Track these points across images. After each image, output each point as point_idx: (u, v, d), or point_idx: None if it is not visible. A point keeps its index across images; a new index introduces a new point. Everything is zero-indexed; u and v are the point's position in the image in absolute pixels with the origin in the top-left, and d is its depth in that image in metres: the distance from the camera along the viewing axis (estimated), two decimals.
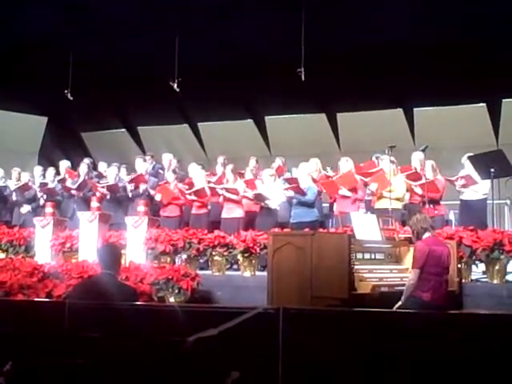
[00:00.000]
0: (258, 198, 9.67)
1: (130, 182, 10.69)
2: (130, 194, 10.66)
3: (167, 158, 11.59)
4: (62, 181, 11.47)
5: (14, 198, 11.48)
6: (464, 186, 9.03)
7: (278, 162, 10.99)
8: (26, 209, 11.32)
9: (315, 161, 10.27)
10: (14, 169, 12.00)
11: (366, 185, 9.42)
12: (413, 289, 5.95)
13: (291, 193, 9.21)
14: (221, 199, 10.05)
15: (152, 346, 3.60)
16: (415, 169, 9.40)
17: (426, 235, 6.21)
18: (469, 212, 9.03)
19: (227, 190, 9.90)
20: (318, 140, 13.85)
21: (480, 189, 8.95)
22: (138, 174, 10.82)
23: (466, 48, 11.58)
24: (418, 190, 8.99)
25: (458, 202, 9.37)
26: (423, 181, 8.82)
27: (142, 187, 10.60)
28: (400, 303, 5.94)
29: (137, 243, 9.09)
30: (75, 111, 14.69)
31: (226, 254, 8.55)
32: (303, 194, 9.08)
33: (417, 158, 9.40)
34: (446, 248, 6.20)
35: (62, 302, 4.86)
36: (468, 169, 9.08)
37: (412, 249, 6.45)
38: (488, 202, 8.75)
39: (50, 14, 11.92)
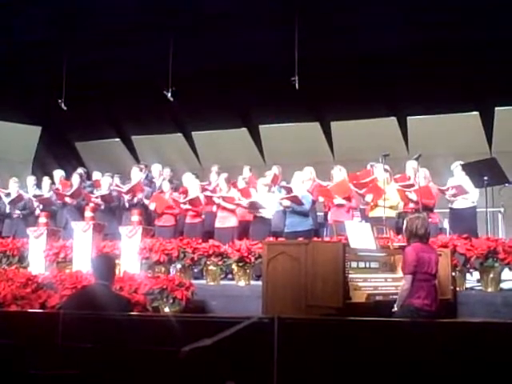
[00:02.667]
0: (253, 206, 9.66)
1: (127, 192, 10.66)
2: (127, 204, 10.64)
3: (157, 169, 11.61)
4: (56, 190, 11.45)
5: (7, 210, 11.44)
6: (455, 195, 9.05)
7: (275, 170, 10.94)
8: (16, 213, 11.29)
9: (309, 169, 10.27)
10: (12, 179, 11.94)
11: (362, 196, 9.43)
12: (406, 295, 5.92)
13: (287, 202, 9.22)
14: (214, 208, 10.05)
15: (147, 356, 3.59)
16: (409, 177, 9.42)
17: (415, 241, 6.14)
18: (459, 220, 9.06)
19: (224, 198, 9.89)
20: (312, 148, 13.87)
21: (470, 197, 8.97)
22: (135, 183, 10.81)
23: (458, 57, 11.64)
24: (413, 196, 8.98)
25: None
26: (417, 187, 8.83)
27: (138, 196, 10.61)
28: (395, 309, 5.92)
29: (131, 253, 9.06)
30: (69, 121, 14.66)
31: (220, 263, 8.53)
32: (301, 204, 9.09)
33: (411, 166, 9.42)
34: (434, 254, 6.16)
35: (55, 313, 4.84)
36: (457, 176, 9.11)
37: None
38: (482, 210, 8.77)
39: (43, 24, 11.92)
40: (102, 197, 10.67)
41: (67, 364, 3.74)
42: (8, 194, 11.58)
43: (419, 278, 5.92)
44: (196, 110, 13.88)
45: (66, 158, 15.11)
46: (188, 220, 10.24)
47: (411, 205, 9.08)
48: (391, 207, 8.98)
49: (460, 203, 9.09)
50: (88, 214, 9.80)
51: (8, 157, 14.81)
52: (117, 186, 11.07)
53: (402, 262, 6.11)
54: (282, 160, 12.53)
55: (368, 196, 9.22)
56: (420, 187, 8.64)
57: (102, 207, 10.65)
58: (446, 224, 9.94)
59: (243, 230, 9.70)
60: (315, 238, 8.66)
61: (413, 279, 5.90)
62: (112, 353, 3.70)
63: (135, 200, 10.61)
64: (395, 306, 5.93)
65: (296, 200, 9.14)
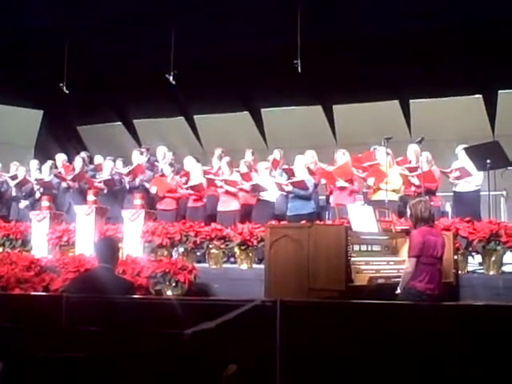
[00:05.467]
0: (256, 189, 9.65)
1: (128, 174, 10.67)
2: (128, 186, 10.65)
3: (161, 151, 11.61)
4: (58, 173, 11.46)
5: (13, 193, 11.48)
6: (458, 178, 9.04)
7: (276, 154, 10.95)
8: (23, 204, 11.33)
9: (311, 153, 10.26)
10: (13, 163, 11.98)
11: (364, 179, 9.42)
12: (409, 277, 5.94)
13: (290, 187, 9.21)
14: (219, 191, 10.04)
15: (149, 339, 3.61)
16: (410, 161, 9.40)
17: (422, 225, 6.15)
18: (462, 204, 9.05)
19: (226, 181, 9.88)
20: (314, 132, 13.84)
21: (473, 180, 8.95)
22: (136, 164, 10.80)
23: (462, 39, 11.58)
24: (415, 181, 8.97)
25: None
26: (419, 172, 8.81)
27: (140, 177, 10.61)
28: (398, 291, 5.94)
29: (134, 236, 9.08)
30: (71, 104, 14.66)
31: (222, 246, 8.55)
32: (306, 188, 9.07)
33: (412, 149, 9.39)
34: (440, 238, 6.17)
35: (59, 296, 4.85)
36: (461, 160, 9.08)
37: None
38: (484, 193, 8.75)
39: (46, 8, 11.88)
40: (105, 182, 10.67)
41: (71, 346, 3.76)
42: (14, 177, 11.59)
43: (424, 262, 5.93)
44: (198, 94, 13.83)
45: (68, 142, 15.09)
46: (190, 204, 10.24)
47: (413, 188, 9.08)
48: (393, 190, 8.96)
49: (463, 186, 9.08)
50: (90, 197, 9.81)
51: (10, 141, 14.81)
52: (117, 170, 11.08)
53: (408, 245, 6.12)
54: (284, 143, 12.51)
55: (370, 179, 9.21)
56: (423, 171, 8.63)
57: (105, 191, 10.67)
58: (448, 207, 9.93)
59: (245, 214, 9.69)
60: (317, 221, 8.66)
61: (417, 262, 5.91)
62: (115, 336, 3.72)
63: (137, 182, 10.62)
64: (398, 288, 5.95)
65: (301, 185, 9.12)
